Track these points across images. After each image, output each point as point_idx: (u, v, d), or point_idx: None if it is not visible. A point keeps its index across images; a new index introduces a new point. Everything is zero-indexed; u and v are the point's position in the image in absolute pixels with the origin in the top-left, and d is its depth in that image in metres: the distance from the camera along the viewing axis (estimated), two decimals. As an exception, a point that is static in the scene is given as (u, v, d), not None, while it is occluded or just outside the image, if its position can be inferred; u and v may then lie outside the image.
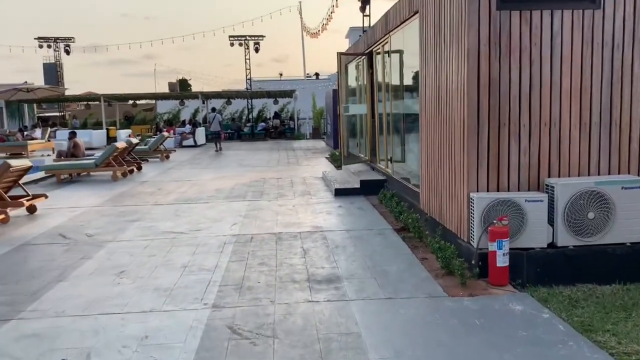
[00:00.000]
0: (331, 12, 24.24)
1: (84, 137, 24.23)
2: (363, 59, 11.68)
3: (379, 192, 9.25)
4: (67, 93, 38.30)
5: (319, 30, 27.38)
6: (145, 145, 18.36)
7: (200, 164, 16.43)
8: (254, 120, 32.07)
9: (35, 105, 32.62)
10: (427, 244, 5.93)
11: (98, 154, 13.88)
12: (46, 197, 8.84)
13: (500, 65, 5.15)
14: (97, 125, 31.09)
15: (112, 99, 29.95)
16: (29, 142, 17.60)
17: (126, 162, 13.94)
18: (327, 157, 16.86)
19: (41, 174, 12.63)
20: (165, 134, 18.84)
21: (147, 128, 29.33)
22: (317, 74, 47.93)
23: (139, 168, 14.47)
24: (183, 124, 28.84)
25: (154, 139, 18.25)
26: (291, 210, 8.47)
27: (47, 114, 39.50)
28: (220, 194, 10.31)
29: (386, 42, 9.26)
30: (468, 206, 5.20)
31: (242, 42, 32.91)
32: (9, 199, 8.16)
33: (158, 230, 7.22)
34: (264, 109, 33.48)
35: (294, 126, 30.45)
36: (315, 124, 30.10)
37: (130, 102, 31.22)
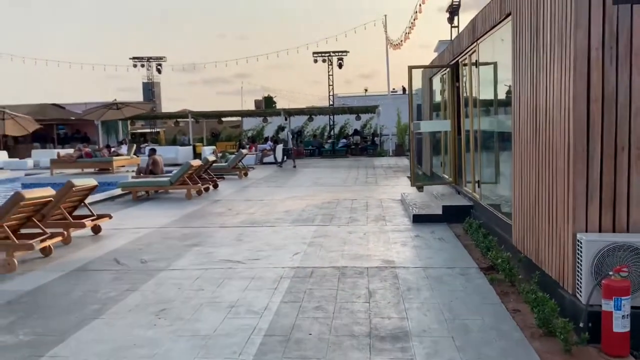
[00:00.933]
0: (414, 19, 23.24)
1: (170, 153, 24.92)
2: (447, 71, 10.68)
3: (464, 221, 8.20)
4: (164, 110, 39.96)
5: (401, 41, 26.47)
6: (225, 162, 18.30)
7: (276, 182, 16.01)
8: (335, 137, 31.56)
9: (129, 122, 34.17)
10: (521, 292, 4.88)
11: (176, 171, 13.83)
12: (110, 217, 8.63)
13: (618, 73, 4.08)
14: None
15: (199, 116, 30.68)
16: (114, 158, 18.11)
17: (202, 179, 13.76)
18: (408, 177, 15.83)
19: (118, 191, 12.69)
20: (244, 151, 18.70)
21: (232, 145, 29.68)
22: (404, 89, 46.89)
23: (215, 186, 14.26)
24: (266, 140, 28.92)
25: (233, 156, 18.14)
26: (361, 238, 7.63)
27: (140, 131, 41.35)
28: (288, 216, 9.69)
29: (473, 52, 8.25)
30: (574, 249, 4.13)
31: (326, 57, 32.65)
32: (71, 219, 7.95)
33: (215, 258, 6.66)
34: (346, 125, 32.91)
35: (377, 142, 29.60)
36: (399, 140, 29.09)
37: (217, 119, 31.81)
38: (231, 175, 17.84)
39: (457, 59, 9.66)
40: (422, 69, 14.64)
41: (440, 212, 8.77)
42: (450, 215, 8.63)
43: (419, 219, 8.72)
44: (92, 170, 18.86)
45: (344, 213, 9.89)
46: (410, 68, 10.60)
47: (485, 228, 7.40)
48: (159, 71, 33.95)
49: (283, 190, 13.83)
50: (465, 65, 9.08)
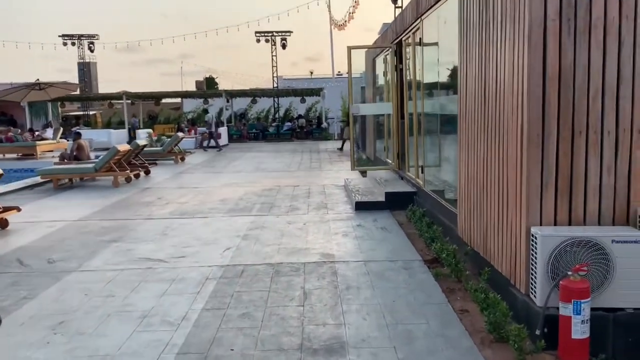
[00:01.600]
0: (357, -1, 22.67)
1: (102, 137, 23.51)
2: (390, 52, 10.21)
3: (407, 208, 7.79)
4: (101, 92, 37.79)
5: (345, 21, 25.86)
6: (160, 146, 17.30)
7: (214, 167, 15.21)
8: (280, 120, 30.82)
9: (59, 104, 32.12)
10: (468, 289, 4.46)
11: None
12: (18, 209, 7.70)
13: (576, 48, 3.65)
14: (121, 125, 30.39)
15: (134, 97, 29.16)
16: (38, 142, 16.71)
17: (132, 165, 12.81)
18: (352, 161, 15.39)
19: (37, 179, 11.58)
20: (180, 134, 17.72)
21: (170, 128, 28.43)
22: (348, 72, 46.53)
23: (147, 172, 13.32)
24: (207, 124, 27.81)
25: (168, 140, 17.15)
26: (301, 229, 7.08)
27: (75, 113, 39.08)
28: (224, 205, 9.02)
29: (417, 29, 7.78)
30: (528, 245, 3.72)
31: (269, 37, 31.72)
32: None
33: (134, 256, 5.94)
34: (290, 108, 32.20)
35: (323, 126, 29.10)
36: (344, 124, 28.67)
37: (154, 100, 30.34)
38: (167, 161, 16.88)
39: (400, 38, 9.19)
40: (365, 50, 14.19)
41: (383, 199, 8.34)
42: (394, 203, 8.21)
43: (361, 207, 8.25)
44: (15, 155, 17.39)
45: (285, 201, 9.30)
46: (350, 49, 10.05)
47: (429, 216, 7.01)
48: (91, 50, 31.96)
49: (221, 176, 13.08)
50: (408, 44, 8.62)
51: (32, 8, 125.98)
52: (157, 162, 16.12)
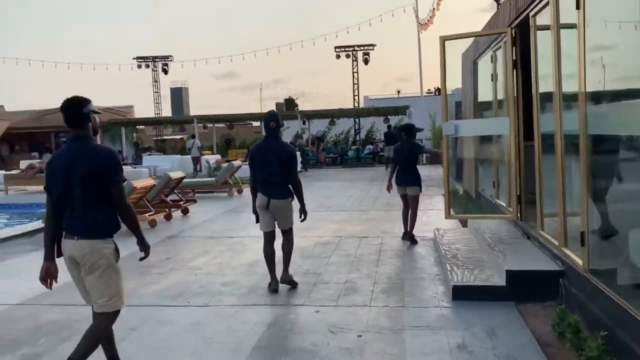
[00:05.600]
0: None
1: (164, 163, 21.57)
2: (505, 43, 6.74)
3: (548, 298, 4.30)
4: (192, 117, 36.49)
5: (430, 17, 22.41)
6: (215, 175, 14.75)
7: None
8: (361, 142, 27.69)
9: (131, 128, 31.12)
10: None
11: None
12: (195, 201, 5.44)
13: None
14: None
15: (207, 121, 27.32)
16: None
17: (164, 204, 10.20)
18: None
19: (34, 225, 9.16)
20: (236, 162, 15.07)
21: (243, 153, 26.22)
22: (438, 90, 42.58)
23: (184, 212, 10.64)
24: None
25: (222, 169, 14.54)
26: (350, 354, 3.81)
27: (169, 137, 37.80)
28: (247, 277, 5.96)
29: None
30: None
31: (350, 52, 28.87)
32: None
33: None
34: (372, 129, 29.01)
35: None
36: (433, 146, 25.03)
37: (227, 124, 28.34)
38: (222, 193, 14.25)
39: (525, 12, 5.74)
40: (461, 53, 10.73)
41: (501, 281, 4.87)
42: (522, 288, 4.72)
43: (463, 294, 4.84)
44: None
45: (340, 270, 6.07)
46: (444, 40, 6.68)
47: (604, 328, 3.50)
48: (165, 72, 30.78)
49: (272, 217, 10.10)
50: (541, 29, 5.19)
51: (114, 32, 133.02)
52: (214, 192, 13.75)
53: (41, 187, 15.23)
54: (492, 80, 8.12)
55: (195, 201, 11.20)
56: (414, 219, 7.52)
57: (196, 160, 21.05)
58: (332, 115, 26.02)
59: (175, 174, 10.74)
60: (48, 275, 3.28)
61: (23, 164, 19.60)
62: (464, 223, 8.04)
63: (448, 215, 6.90)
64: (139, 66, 30.21)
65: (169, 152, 29.32)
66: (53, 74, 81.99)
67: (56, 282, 3.36)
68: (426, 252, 6.82)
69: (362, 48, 28.79)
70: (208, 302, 5.11)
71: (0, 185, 15.50)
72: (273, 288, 5.32)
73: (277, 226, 5.46)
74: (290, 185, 5.34)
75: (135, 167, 22.58)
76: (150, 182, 9.49)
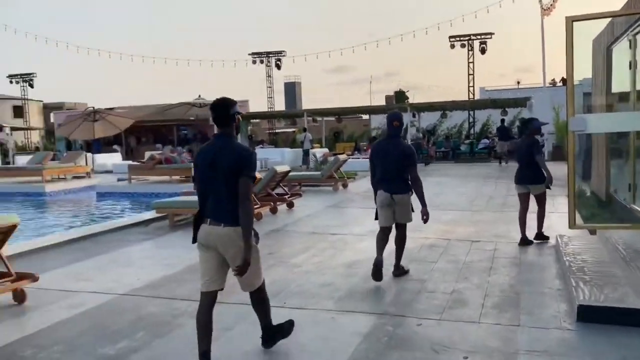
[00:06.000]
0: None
1: (274, 156, 22.00)
2: (650, 23, 5.78)
3: None
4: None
5: (554, 1, 20.55)
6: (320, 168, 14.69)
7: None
8: (475, 136, 26.35)
9: (246, 122, 32.10)
10: None
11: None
12: (34, 279, 5.36)
13: None
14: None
15: (316, 114, 27.51)
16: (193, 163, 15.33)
17: (269, 197, 10.26)
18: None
19: (151, 214, 9.59)
20: (342, 157, 14.85)
21: (349, 146, 26.10)
22: (563, 80, 39.43)
23: (289, 205, 10.64)
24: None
25: (328, 163, 14.42)
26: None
27: (282, 130, 38.79)
28: (346, 279, 5.67)
29: None
30: None
31: (465, 42, 27.52)
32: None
33: None
34: (488, 122, 27.49)
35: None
36: (557, 141, 23.10)
37: (335, 117, 28.32)
38: (327, 187, 14.15)
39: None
40: (592, 40, 9.58)
41: (639, 302, 4.14)
42: (668, 314, 3.97)
43: (592, 316, 4.18)
44: (178, 177, 16.31)
45: (446, 279, 5.59)
46: (571, 21, 5.85)
47: None
48: (278, 67, 31.44)
49: (377, 215, 9.77)
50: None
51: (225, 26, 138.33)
52: (319, 186, 13.72)
53: (161, 177, 16.16)
54: (630, 69, 7.10)
55: (300, 195, 11.16)
56: (542, 218, 7.11)
57: (307, 153, 21.26)
58: (444, 107, 24.96)
59: (281, 168, 10.76)
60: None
61: (147, 155, 21.02)
62: (592, 230, 7.14)
63: (573, 225, 6.04)
64: (254, 62, 31.19)
65: (281, 145, 29.97)
66: (174, 70, 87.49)
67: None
68: (547, 262, 6.11)
69: (478, 37, 27.32)
70: (304, 305, 4.90)
71: (126, 175, 16.68)
72: (376, 263, 5.40)
73: (395, 220, 5.59)
74: (409, 182, 5.53)
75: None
76: (257, 176, 9.53)
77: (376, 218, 5.70)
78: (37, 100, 55.18)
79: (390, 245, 5.71)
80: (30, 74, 33.49)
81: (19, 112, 40.59)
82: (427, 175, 17.50)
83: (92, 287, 5.62)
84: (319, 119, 28.28)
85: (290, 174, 12.44)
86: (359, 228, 8.45)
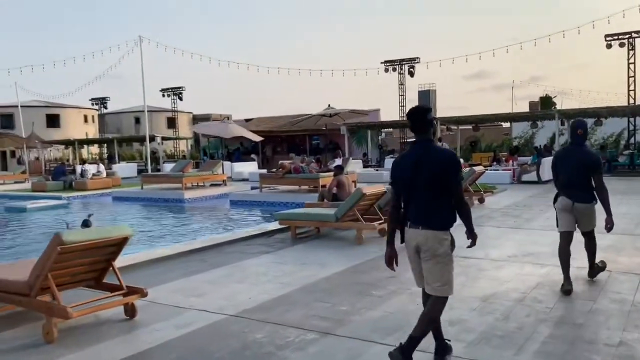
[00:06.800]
0: None
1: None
2: None
3: None
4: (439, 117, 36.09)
5: None
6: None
7: (519, 216, 10.67)
8: (636, 146, 23.17)
9: (377, 131, 31.65)
10: None
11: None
12: (143, 294, 5.18)
13: None
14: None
15: (451, 123, 26.17)
16: (321, 174, 15.08)
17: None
18: None
19: (274, 225, 9.37)
20: (478, 168, 13.58)
21: (487, 157, 24.36)
22: None
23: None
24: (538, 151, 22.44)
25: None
26: None
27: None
28: (481, 316, 4.80)
29: None
30: None
31: (625, 40, 24.43)
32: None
33: None
34: (654, 130, 24.06)
35: None
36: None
37: (472, 125, 26.64)
38: (462, 201, 13.01)
39: None
40: None
41: None
42: None
43: None
44: (306, 187, 16.21)
45: (610, 323, 4.48)
46: None
47: None
48: (411, 74, 30.48)
49: (518, 235, 8.61)
50: None
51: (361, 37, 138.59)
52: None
53: (290, 187, 16.18)
54: None
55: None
56: None
57: (525, 167, 19.95)
58: (599, 114, 22.25)
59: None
60: (390, 259, 3.86)
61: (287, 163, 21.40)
62: None
63: None
64: (386, 70, 30.63)
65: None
66: (307, 80, 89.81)
67: (397, 264, 3.87)
68: None
69: (639, 34, 24.09)
70: (427, 347, 4.14)
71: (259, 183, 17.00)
72: (566, 289, 5.34)
73: (577, 228, 5.62)
74: (594, 190, 5.51)
75: (377, 170, 22.76)
76: (381, 189, 8.88)
77: (557, 224, 5.72)
78: (187, 112, 59.96)
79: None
80: (179, 87, 36.20)
81: (171, 123, 44.31)
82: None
83: (202, 304, 5.38)
84: (454, 127, 26.88)
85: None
86: (496, 252, 7.42)
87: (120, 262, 5.57)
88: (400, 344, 3.65)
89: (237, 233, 9.20)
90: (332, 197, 10.58)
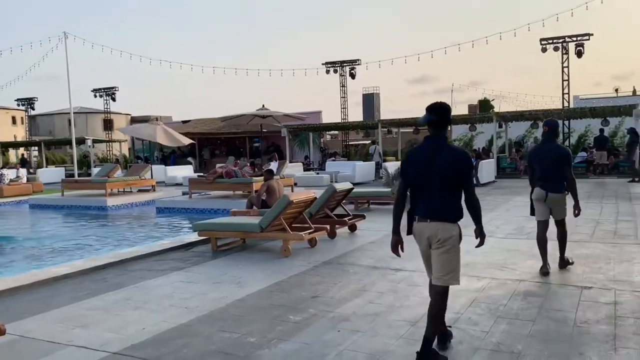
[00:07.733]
0: None
1: (345, 169, 20.66)
2: None
3: None
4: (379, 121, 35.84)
5: None
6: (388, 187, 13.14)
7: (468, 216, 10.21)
8: (571, 148, 23.58)
9: (319, 134, 31.10)
10: None
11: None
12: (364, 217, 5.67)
13: None
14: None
15: (391, 125, 25.91)
16: (254, 179, 14.23)
17: (329, 217, 8.91)
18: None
19: (193, 236, 8.49)
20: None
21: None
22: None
23: (352, 228, 9.21)
24: (476, 154, 22.42)
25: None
26: None
27: (359, 142, 37.50)
28: (408, 344, 4.14)
29: None
30: None
31: (559, 44, 24.88)
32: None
33: None
34: (586, 133, 24.63)
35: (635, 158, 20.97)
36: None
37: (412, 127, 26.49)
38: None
39: None
40: None
41: None
42: None
43: None
44: (240, 192, 15.29)
45: (549, 349, 3.92)
46: None
47: None
48: (352, 76, 30.06)
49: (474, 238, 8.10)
50: None
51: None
52: (389, 204, 12.10)
53: (222, 192, 15.22)
54: None
55: (364, 217, 9.62)
56: None
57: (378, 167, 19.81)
58: (536, 117, 22.51)
59: (342, 186, 9.35)
60: (395, 246, 3.99)
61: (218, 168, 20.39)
62: None
63: None
64: (327, 71, 30.06)
65: (354, 157, 28.58)
66: (247, 82, 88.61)
67: (402, 251, 3.98)
68: (700, 331, 4.26)
69: (574, 39, 24.54)
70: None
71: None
72: (544, 271, 6.08)
73: (551, 217, 6.23)
74: (565, 182, 6.07)
75: (318, 173, 22.10)
76: (310, 195, 8.18)
77: (532, 214, 6.39)
78: (125, 114, 57.46)
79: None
80: (112, 87, 34.36)
81: (108, 125, 42.13)
82: (514, 194, 15.51)
83: (84, 339, 4.48)
84: (395, 130, 26.64)
85: (357, 190, 11.04)
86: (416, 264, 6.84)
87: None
88: (417, 352, 3.69)
89: (150, 246, 8.24)
90: (262, 203, 9.79)
